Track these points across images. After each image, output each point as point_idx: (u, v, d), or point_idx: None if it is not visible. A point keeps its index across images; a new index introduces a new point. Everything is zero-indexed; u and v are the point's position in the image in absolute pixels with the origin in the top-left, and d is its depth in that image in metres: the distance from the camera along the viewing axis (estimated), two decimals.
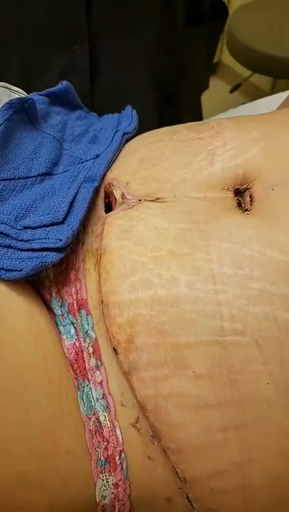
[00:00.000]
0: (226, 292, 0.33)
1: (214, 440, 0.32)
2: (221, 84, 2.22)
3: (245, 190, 0.40)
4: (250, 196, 0.39)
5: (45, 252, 0.36)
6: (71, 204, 0.39)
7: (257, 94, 2.12)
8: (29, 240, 0.36)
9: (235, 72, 2.10)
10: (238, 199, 0.40)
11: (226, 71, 2.20)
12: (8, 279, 0.35)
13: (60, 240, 0.36)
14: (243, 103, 2.06)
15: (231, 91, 2.02)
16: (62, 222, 0.38)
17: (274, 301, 0.33)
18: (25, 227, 0.37)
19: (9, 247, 0.36)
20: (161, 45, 0.70)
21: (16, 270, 0.35)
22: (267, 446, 0.32)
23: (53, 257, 0.35)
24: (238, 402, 0.32)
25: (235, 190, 0.40)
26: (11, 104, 0.42)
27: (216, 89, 2.18)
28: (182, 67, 0.77)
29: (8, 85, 0.48)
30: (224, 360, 0.33)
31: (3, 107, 0.42)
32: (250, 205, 0.39)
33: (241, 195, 0.40)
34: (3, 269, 0.35)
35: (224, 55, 2.13)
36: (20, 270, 0.34)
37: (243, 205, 0.39)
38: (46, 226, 0.37)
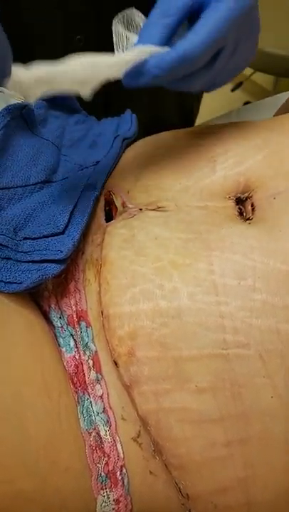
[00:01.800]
0: (228, 304, 0.33)
1: (217, 455, 0.32)
2: None
3: (246, 199, 0.39)
4: (252, 205, 0.38)
5: (46, 264, 0.35)
6: (71, 213, 0.38)
7: (259, 92, 2.10)
8: (29, 252, 0.35)
9: None
10: (239, 208, 0.39)
11: None
12: (7, 291, 0.34)
13: (61, 252, 0.35)
14: (245, 102, 2.05)
15: (233, 89, 2.01)
16: (62, 233, 0.37)
17: (277, 313, 0.32)
18: (25, 238, 0.36)
19: (8, 258, 0.35)
20: None
21: (15, 283, 0.34)
22: (271, 461, 0.32)
23: (54, 269, 0.35)
24: (241, 416, 0.32)
25: (237, 198, 0.39)
26: (8, 110, 0.41)
27: None
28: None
29: (5, 90, 0.48)
30: (227, 373, 0.32)
31: (0, 113, 0.41)
32: (252, 214, 0.38)
33: (243, 203, 0.39)
34: (2, 281, 0.34)
35: None
36: (20, 283, 0.34)
37: (244, 214, 0.38)
38: (46, 237, 0.36)
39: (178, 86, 0.36)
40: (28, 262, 0.35)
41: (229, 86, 2.07)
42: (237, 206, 0.39)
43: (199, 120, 0.86)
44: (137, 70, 0.33)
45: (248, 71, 1.84)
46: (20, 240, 0.36)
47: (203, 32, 0.33)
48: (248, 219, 0.38)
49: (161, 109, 0.74)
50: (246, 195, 0.39)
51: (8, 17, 0.41)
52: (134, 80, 0.34)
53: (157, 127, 0.52)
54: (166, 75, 0.33)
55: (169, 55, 0.33)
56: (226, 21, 0.33)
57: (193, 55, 0.33)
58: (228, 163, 0.40)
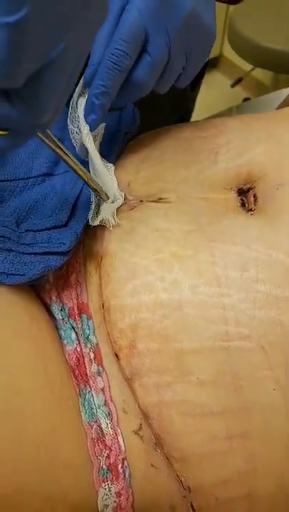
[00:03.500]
0: (230, 296, 0.32)
1: (219, 449, 0.31)
2: (222, 78, 2.20)
3: (248, 190, 0.39)
4: (254, 196, 0.38)
5: (49, 256, 0.35)
6: (73, 206, 0.38)
7: (259, 88, 2.09)
8: (31, 244, 0.35)
9: (236, 67, 2.08)
10: (241, 199, 0.39)
11: (227, 65, 2.18)
12: (9, 283, 0.34)
13: (64, 244, 0.35)
14: (244, 98, 2.04)
15: (232, 85, 2.00)
16: (65, 225, 0.37)
17: (280, 305, 0.32)
18: (27, 230, 0.36)
19: (10, 250, 0.35)
20: None
21: (18, 274, 0.34)
22: (272, 454, 0.32)
23: (57, 260, 0.35)
24: (243, 409, 0.31)
25: (239, 189, 0.39)
26: None
27: (216, 83, 2.16)
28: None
29: None
30: (229, 366, 0.32)
31: None
32: (254, 205, 0.38)
33: (245, 194, 0.39)
34: (4, 273, 0.34)
35: (225, 49, 2.10)
36: (23, 275, 0.33)
37: (246, 205, 0.38)
38: (49, 229, 0.36)
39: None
40: (31, 254, 0.35)
41: (229, 82, 2.06)
42: (239, 197, 0.39)
43: (198, 117, 0.85)
44: None
45: (247, 67, 1.84)
46: (23, 232, 0.36)
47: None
48: (250, 210, 0.37)
49: (156, 114, 0.74)
50: (248, 186, 0.39)
51: None
52: None
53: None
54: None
55: None
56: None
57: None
58: (230, 155, 0.40)
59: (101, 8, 0.25)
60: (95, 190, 0.38)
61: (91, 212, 0.39)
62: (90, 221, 0.38)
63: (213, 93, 2.00)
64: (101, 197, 0.39)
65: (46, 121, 0.27)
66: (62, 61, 0.24)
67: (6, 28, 0.19)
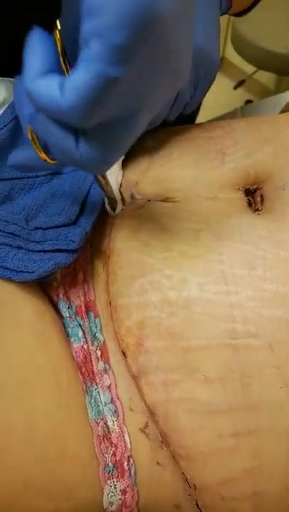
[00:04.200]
0: (238, 294, 0.33)
1: (225, 446, 0.32)
2: (225, 80, 2.20)
3: (255, 190, 0.39)
4: (261, 196, 0.38)
5: (58, 253, 0.35)
6: (82, 204, 0.38)
7: (261, 91, 2.10)
8: (40, 241, 0.35)
9: (239, 69, 2.08)
10: (248, 199, 0.39)
11: (229, 67, 2.18)
12: (19, 280, 0.34)
13: (73, 242, 0.35)
14: (246, 100, 2.05)
15: (235, 87, 2.01)
16: (74, 223, 0.37)
17: (287, 303, 0.32)
18: (36, 228, 0.36)
19: (20, 247, 0.35)
20: None
21: (27, 272, 0.34)
22: (279, 452, 0.32)
23: (66, 258, 0.35)
24: (250, 407, 0.31)
25: (246, 190, 0.39)
26: None
27: (219, 85, 2.16)
28: None
29: None
30: (236, 363, 0.32)
31: (11, 103, 0.41)
32: (261, 205, 0.38)
33: (252, 195, 0.39)
34: (13, 270, 0.34)
35: (228, 51, 2.11)
36: (32, 272, 0.34)
37: (253, 205, 0.38)
38: (58, 227, 0.36)
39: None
40: (40, 251, 0.35)
41: (231, 84, 2.07)
42: (246, 197, 0.39)
43: (201, 118, 0.85)
44: None
45: (250, 69, 1.84)
46: (32, 230, 0.36)
47: None
48: (257, 210, 0.38)
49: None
50: (255, 186, 0.39)
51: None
52: None
53: None
54: None
55: None
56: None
57: None
58: (238, 155, 0.40)
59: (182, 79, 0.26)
60: (109, 198, 0.39)
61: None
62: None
63: (215, 95, 2.00)
64: (111, 203, 0.40)
65: (100, 168, 0.27)
66: (137, 117, 0.25)
67: (104, 79, 0.21)
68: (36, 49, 0.23)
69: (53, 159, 0.28)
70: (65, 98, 0.21)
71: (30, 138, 0.27)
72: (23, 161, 0.30)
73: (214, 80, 0.42)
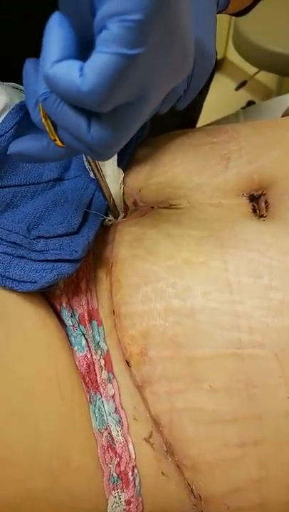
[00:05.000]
0: (243, 303, 0.32)
1: (231, 456, 0.31)
2: (227, 81, 2.19)
3: (260, 196, 0.38)
4: (266, 202, 0.38)
5: (61, 263, 0.34)
6: (85, 213, 0.38)
7: (263, 91, 2.09)
8: (43, 251, 0.35)
9: (240, 69, 2.07)
10: (253, 205, 0.38)
11: (231, 68, 2.18)
12: (21, 290, 0.34)
13: (76, 252, 0.35)
14: (248, 101, 2.04)
15: (237, 88, 2.00)
16: (76, 233, 0.37)
17: None
18: (38, 237, 0.36)
19: (22, 257, 0.35)
20: None
21: (29, 282, 0.33)
22: (285, 462, 0.31)
23: (69, 268, 0.34)
24: (256, 417, 0.31)
25: (250, 195, 0.39)
26: (21, 107, 0.41)
27: (221, 86, 2.16)
28: None
29: (19, 86, 0.47)
30: (242, 373, 0.31)
31: (13, 109, 0.40)
32: (266, 211, 0.38)
33: (256, 201, 0.39)
34: (16, 280, 0.33)
35: (229, 52, 2.10)
36: (35, 282, 0.33)
37: (258, 211, 0.38)
38: (60, 236, 0.36)
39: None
40: (42, 261, 0.34)
41: (233, 85, 2.06)
42: (251, 203, 0.38)
43: (203, 120, 0.85)
44: None
45: (252, 70, 1.83)
46: (34, 239, 0.36)
47: None
48: (262, 216, 0.37)
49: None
50: (260, 192, 0.38)
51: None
52: None
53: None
54: None
55: None
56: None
57: None
58: (242, 161, 0.40)
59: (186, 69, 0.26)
60: (112, 210, 0.39)
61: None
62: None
63: (217, 96, 2.00)
64: (114, 214, 0.40)
65: (109, 152, 0.27)
66: (147, 102, 0.25)
67: (123, 58, 0.21)
68: (55, 35, 0.23)
69: (62, 142, 0.27)
70: (86, 80, 0.22)
71: (42, 115, 0.26)
72: (26, 150, 0.29)
73: (210, 77, 0.42)
